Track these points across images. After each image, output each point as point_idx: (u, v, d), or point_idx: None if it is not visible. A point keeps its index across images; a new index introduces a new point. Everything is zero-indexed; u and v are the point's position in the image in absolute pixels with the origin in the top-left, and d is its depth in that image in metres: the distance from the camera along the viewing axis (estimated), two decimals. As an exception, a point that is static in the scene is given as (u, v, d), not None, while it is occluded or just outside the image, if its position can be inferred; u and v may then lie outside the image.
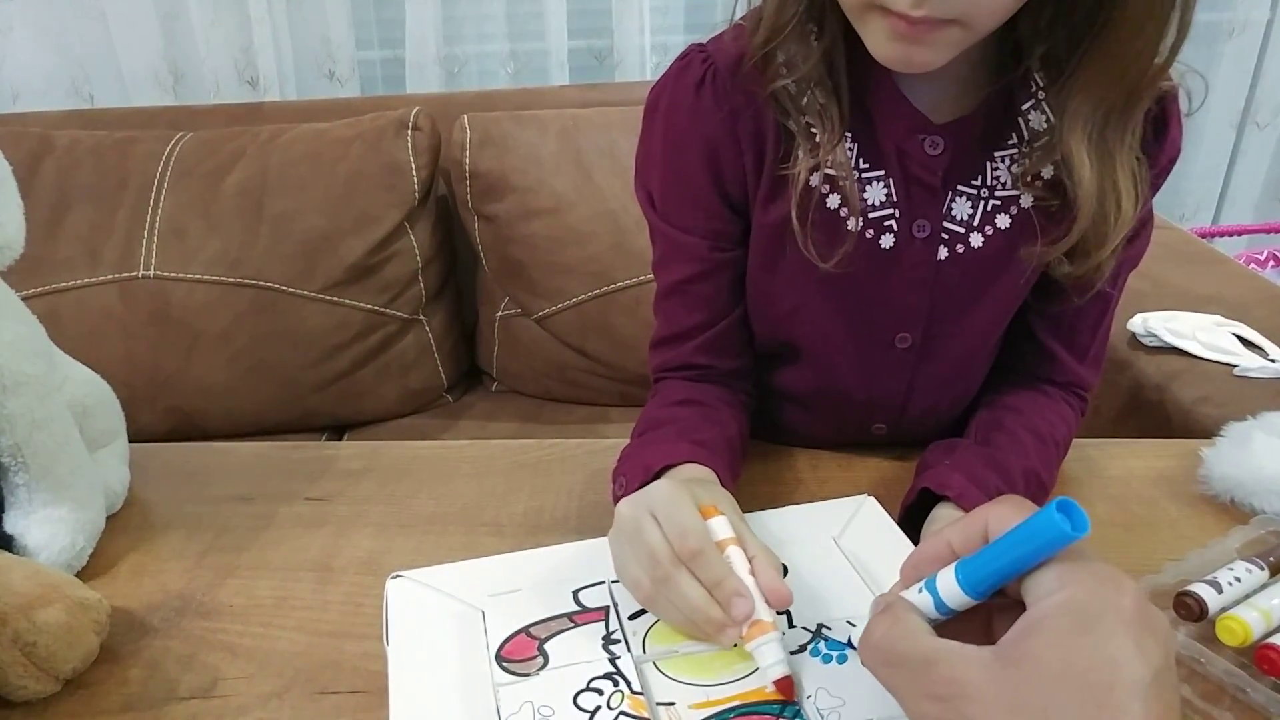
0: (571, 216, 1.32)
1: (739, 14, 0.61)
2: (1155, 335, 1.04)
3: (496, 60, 1.76)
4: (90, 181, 1.30)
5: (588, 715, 0.45)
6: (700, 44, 0.63)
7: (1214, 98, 1.99)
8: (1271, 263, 1.78)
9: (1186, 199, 2.10)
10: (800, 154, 0.59)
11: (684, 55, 0.63)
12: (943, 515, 0.59)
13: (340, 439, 1.37)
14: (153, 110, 1.50)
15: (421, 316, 1.39)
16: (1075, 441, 0.74)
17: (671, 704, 0.46)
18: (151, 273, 1.27)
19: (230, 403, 1.32)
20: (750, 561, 0.49)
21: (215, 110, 1.48)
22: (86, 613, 0.51)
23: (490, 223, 1.36)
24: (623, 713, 0.45)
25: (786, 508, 0.62)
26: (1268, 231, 1.96)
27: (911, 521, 0.60)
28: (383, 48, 1.75)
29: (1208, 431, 0.70)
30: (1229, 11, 1.92)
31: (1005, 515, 0.38)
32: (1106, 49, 0.53)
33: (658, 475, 0.57)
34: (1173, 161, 0.63)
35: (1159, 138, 0.61)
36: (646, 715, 0.45)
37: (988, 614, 0.39)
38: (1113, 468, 0.71)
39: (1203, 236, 1.75)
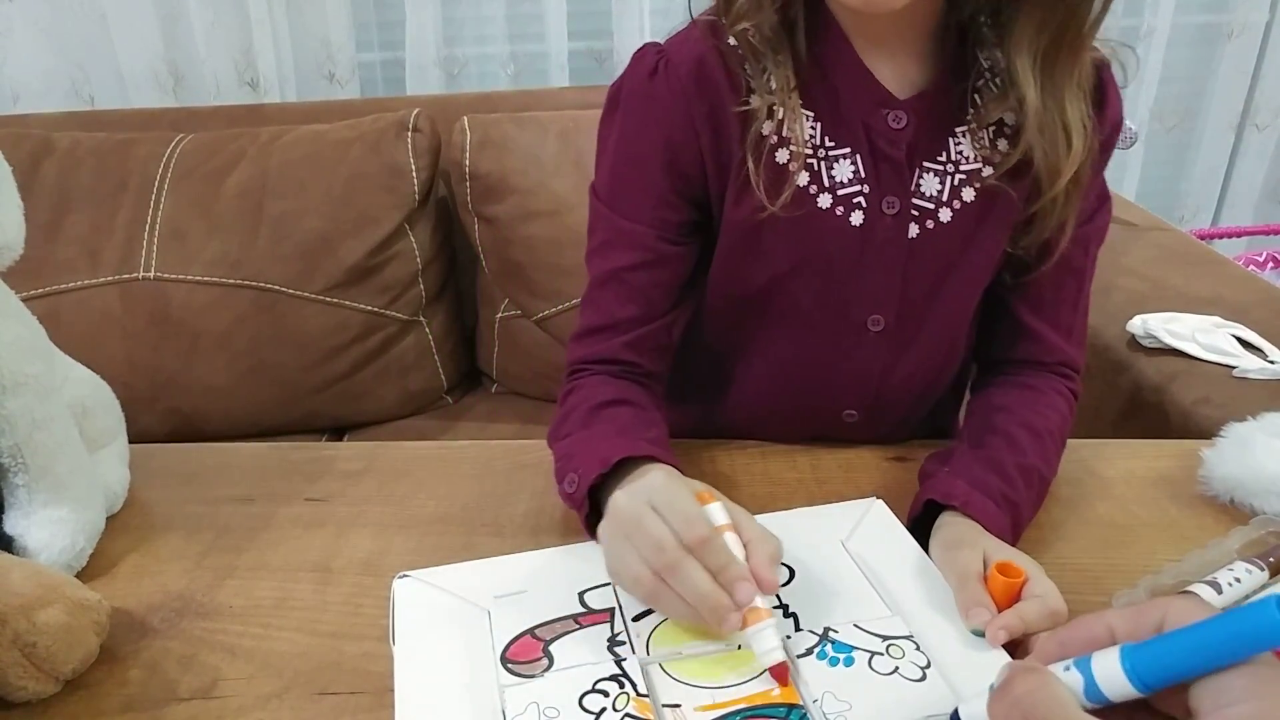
0: (571, 218, 1.32)
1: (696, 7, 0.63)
2: (1154, 337, 1.04)
3: (496, 62, 1.76)
4: (90, 183, 1.30)
5: (593, 716, 0.45)
6: (654, 42, 0.64)
7: (1213, 99, 2.00)
8: (1270, 264, 1.78)
9: (1186, 201, 2.10)
10: (754, 99, 0.60)
11: (638, 51, 0.65)
12: (948, 523, 0.58)
13: (340, 441, 1.36)
14: (153, 112, 1.50)
15: (421, 318, 1.39)
16: (1075, 443, 0.74)
17: (677, 706, 0.46)
18: (152, 274, 1.27)
19: (230, 404, 1.31)
20: (745, 546, 0.49)
21: (215, 112, 1.48)
22: (86, 613, 0.51)
23: (490, 224, 1.36)
24: (628, 714, 0.45)
25: (794, 510, 0.62)
26: (1267, 233, 1.96)
27: (917, 533, 0.59)
28: (383, 50, 1.75)
29: (1207, 432, 0.70)
30: (1228, 13, 1.92)
31: (1188, 610, 0.34)
32: None
33: (616, 467, 0.55)
34: (1117, 128, 0.65)
35: (1101, 106, 0.63)
36: (651, 717, 0.45)
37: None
38: (1113, 468, 0.71)
39: (1202, 238, 1.75)
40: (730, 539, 0.48)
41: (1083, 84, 0.59)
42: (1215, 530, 0.62)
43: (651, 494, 0.49)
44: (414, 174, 1.33)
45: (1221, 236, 1.91)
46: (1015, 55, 0.57)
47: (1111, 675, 0.34)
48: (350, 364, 1.34)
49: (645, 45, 0.65)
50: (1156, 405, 1.00)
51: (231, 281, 1.28)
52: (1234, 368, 0.98)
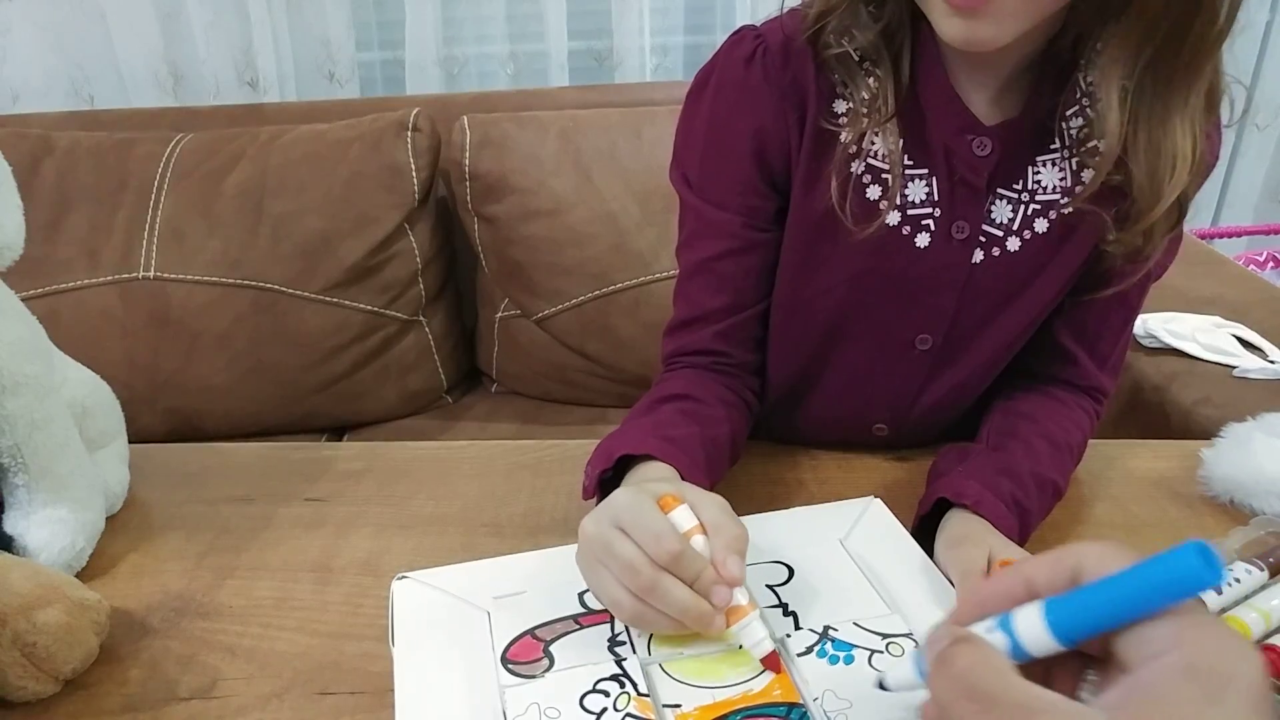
0: (571, 218, 1.32)
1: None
2: (1155, 336, 1.04)
3: (496, 61, 1.76)
4: (90, 182, 1.30)
5: (594, 717, 0.45)
6: (752, 24, 0.63)
7: (1213, 99, 2.00)
8: (1271, 264, 1.78)
9: (1186, 200, 2.10)
10: (839, 105, 0.59)
11: (736, 33, 0.63)
12: (955, 521, 0.58)
13: (340, 440, 1.37)
14: (153, 111, 1.50)
15: (421, 318, 1.39)
16: (1075, 442, 0.74)
17: (678, 706, 0.46)
18: (151, 274, 1.27)
19: (230, 404, 1.31)
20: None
21: (215, 111, 1.49)
22: (86, 613, 0.51)
23: (490, 224, 1.36)
24: (629, 714, 0.45)
25: (793, 509, 0.62)
26: (1267, 233, 1.96)
27: (925, 530, 0.59)
28: (382, 49, 1.75)
29: (1207, 432, 0.70)
30: (1228, 13, 1.92)
31: (1103, 556, 0.33)
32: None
33: (618, 463, 0.57)
34: (1211, 167, 0.61)
35: None
36: (652, 717, 0.45)
37: (1046, 664, 0.35)
38: (1113, 468, 0.71)
39: (1202, 238, 1.75)
40: (699, 542, 0.48)
41: (1198, 103, 0.53)
42: (1215, 530, 0.62)
43: (617, 515, 0.48)
44: (414, 174, 1.33)
45: (1221, 236, 1.91)
46: (1103, 80, 0.53)
47: (1035, 633, 0.34)
48: (350, 364, 1.34)
49: (743, 28, 0.63)
50: (1156, 405, 1.00)
51: (231, 281, 1.28)
52: (1234, 368, 0.98)
